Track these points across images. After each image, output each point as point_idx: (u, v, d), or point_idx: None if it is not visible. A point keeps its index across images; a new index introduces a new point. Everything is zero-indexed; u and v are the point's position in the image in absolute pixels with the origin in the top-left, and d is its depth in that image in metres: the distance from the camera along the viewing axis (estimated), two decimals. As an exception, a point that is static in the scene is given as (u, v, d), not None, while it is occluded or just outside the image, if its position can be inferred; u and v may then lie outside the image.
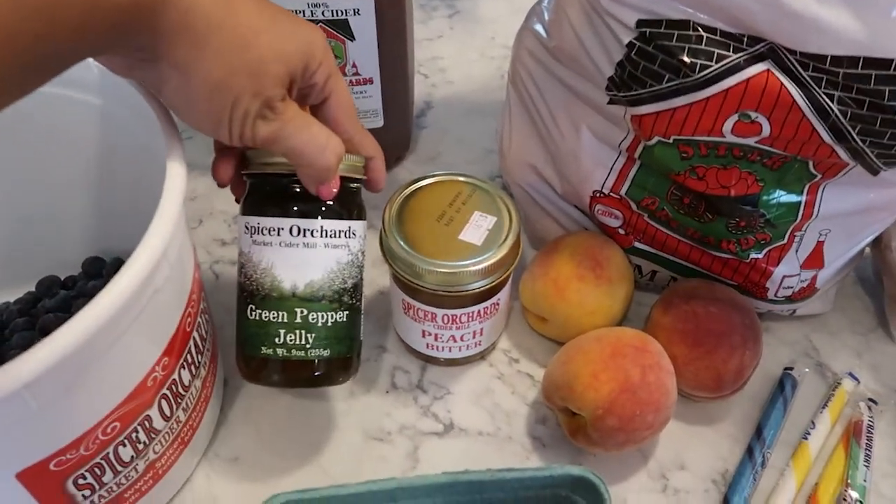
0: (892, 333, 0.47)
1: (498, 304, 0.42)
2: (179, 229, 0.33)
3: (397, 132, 0.56)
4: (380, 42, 0.48)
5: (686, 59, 0.35)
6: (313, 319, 0.36)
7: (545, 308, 0.44)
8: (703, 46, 0.35)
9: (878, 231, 0.43)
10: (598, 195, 0.44)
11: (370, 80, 0.50)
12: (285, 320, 0.36)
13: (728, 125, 0.36)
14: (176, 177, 0.32)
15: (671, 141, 0.38)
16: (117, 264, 0.46)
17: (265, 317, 0.36)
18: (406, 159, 0.58)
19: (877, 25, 0.32)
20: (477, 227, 0.41)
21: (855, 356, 0.47)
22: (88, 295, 0.44)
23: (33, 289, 0.46)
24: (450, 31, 0.71)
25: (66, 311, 0.44)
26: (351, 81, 0.50)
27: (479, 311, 0.42)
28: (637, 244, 0.46)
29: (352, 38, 0.48)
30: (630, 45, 0.36)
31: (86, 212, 0.46)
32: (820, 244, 0.42)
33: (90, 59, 0.36)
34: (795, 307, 0.45)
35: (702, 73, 0.35)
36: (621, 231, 0.45)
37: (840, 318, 0.49)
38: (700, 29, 0.35)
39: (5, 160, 0.42)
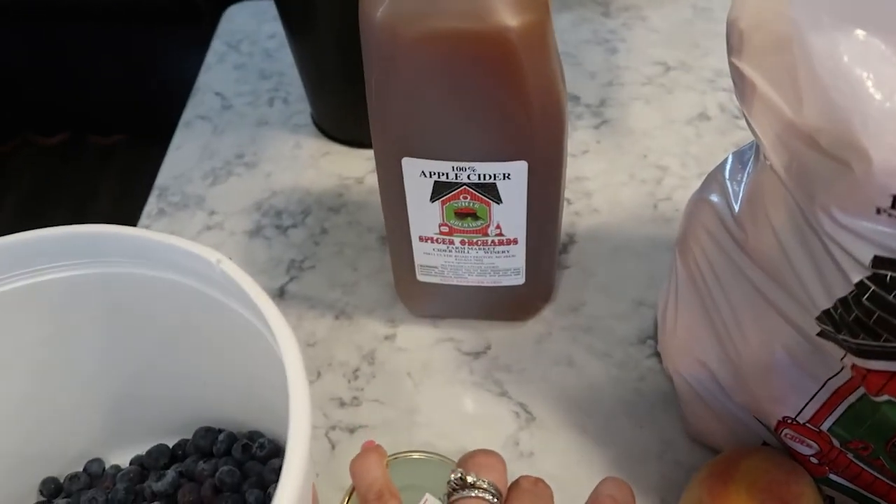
0: None
1: None
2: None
3: (538, 286, 0.50)
4: (529, 205, 0.43)
5: (942, 320, 0.27)
6: None
7: (717, 554, 0.36)
8: (967, 307, 0.27)
9: None
10: (788, 421, 0.36)
11: (514, 241, 0.44)
12: None
13: None
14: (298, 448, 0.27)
15: (907, 404, 0.30)
16: (228, 441, 0.42)
17: None
18: (545, 309, 0.52)
19: None
20: None
21: None
22: (196, 480, 0.41)
23: (143, 452, 0.44)
24: (596, 144, 0.65)
25: (173, 497, 0.40)
26: (493, 242, 0.44)
27: None
28: (832, 476, 0.38)
29: (499, 201, 0.42)
30: (861, 286, 0.29)
31: (198, 382, 0.42)
32: None
33: (214, 260, 0.33)
34: None
35: (964, 342, 0.27)
36: (814, 460, 0.37)
37: None
38: (964, 283, 0.27)
39: (136, 334, 0.40)
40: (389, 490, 0.31)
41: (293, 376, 0.29)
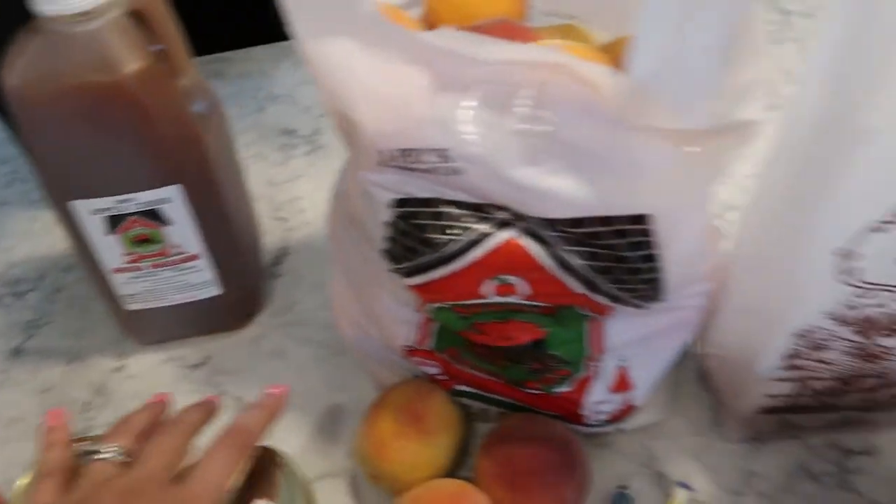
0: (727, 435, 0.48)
1: None
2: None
3: (243, 292, 0.57)
4: (201, 220, 0.50)
5: (433, 234, 0.36)
6: None
7: (373, 469, 0.44)
8: (449, 222, 0.36)
9: (680, 347, 0.44)
10: (409, 349, 0.45)
11: (195, 257, 0.51)
12: None
13: (488, 289, 0.37)
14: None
15: (447, 305, 0.39)
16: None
17: None
18: (261, 314, 0.60)
19: (592, 186, 0.34)
20: None
21: (693, 459, 0.48)
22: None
23: None
24: (310, 168, 0.73)
25: None
26: (176, 260, 0.51)
27: None
28: (458, 387, 0.47)
29: (168, 223, 0.49)
30: (391, 224, 0.38)
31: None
32: (622, 370, 0.43)
33: None
34: (620, 426, 0.46)
35: (451, 247, 0.36)
36: (442, 377, 0.46)
37: (680, 421, 0.50)
38: (445, 205, 0.36)
39: None
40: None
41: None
